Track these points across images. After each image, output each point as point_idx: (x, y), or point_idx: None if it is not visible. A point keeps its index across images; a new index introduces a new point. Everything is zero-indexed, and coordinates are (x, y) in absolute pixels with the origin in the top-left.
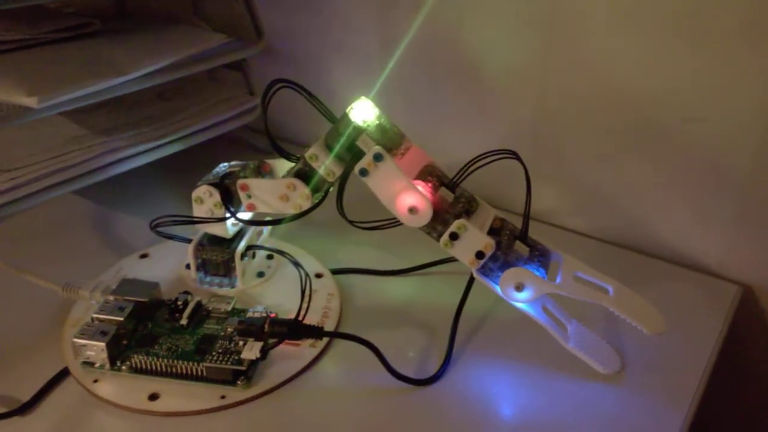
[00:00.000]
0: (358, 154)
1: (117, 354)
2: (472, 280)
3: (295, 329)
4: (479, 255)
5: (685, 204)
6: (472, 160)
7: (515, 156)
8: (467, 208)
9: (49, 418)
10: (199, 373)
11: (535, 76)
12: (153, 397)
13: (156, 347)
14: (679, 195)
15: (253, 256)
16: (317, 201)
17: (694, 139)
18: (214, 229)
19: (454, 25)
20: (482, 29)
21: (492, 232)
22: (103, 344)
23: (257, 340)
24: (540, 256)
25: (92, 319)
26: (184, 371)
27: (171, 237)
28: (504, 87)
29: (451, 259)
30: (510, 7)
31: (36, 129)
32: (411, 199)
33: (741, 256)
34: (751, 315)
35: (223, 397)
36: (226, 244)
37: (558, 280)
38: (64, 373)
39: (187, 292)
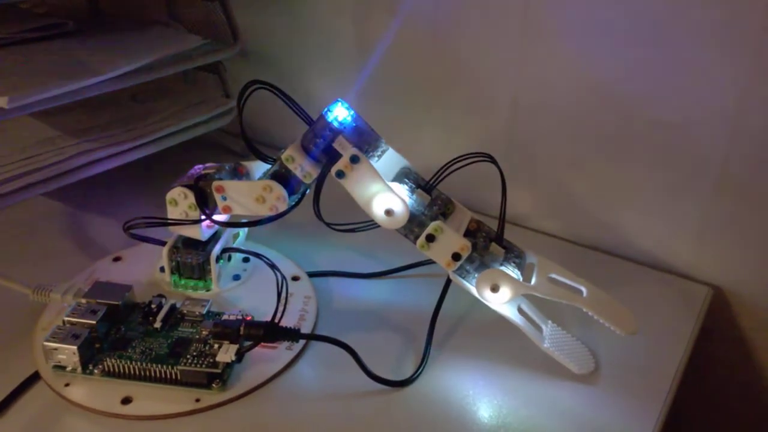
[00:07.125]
0: (335, 156)
1: (89, 357)
2: (448, 281)
3: (271, 331)
4: (455, 257)
5: (656, 207)
6: (449, 162)
7: (491, 159)
8: (443, 210)
9: (19, 423)
10: (174, 377)
11: (511, 80)
12: (126, 400)
13: (129, 350)
14: (650, 199)
15: (229, 258)
16: (293, 203)
17: (664, 144)
18: (189, 232)
19: (430, 28)
20: (458, 34)
21: (468, 234)
22: (74, 347)
23: (232, 342)
24: (515, 258)
25: (64, 322)
26: (158, 374)
27: (145, 239)
28: (480, 91)
29: (427, 262)
30: (486, 11)
31: (6, 130)
32: (388, 201)
33: (711, 259)
34: (722, 316)
35: (197, 400)
36: (201, 246)
37: (533, 282)
38: (34, 377)
39: (161, 295)
